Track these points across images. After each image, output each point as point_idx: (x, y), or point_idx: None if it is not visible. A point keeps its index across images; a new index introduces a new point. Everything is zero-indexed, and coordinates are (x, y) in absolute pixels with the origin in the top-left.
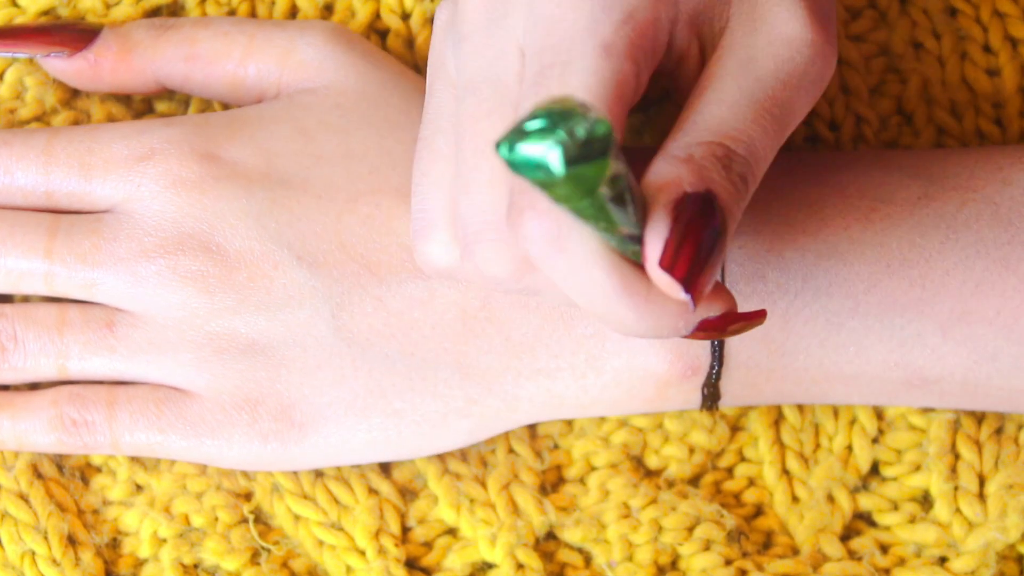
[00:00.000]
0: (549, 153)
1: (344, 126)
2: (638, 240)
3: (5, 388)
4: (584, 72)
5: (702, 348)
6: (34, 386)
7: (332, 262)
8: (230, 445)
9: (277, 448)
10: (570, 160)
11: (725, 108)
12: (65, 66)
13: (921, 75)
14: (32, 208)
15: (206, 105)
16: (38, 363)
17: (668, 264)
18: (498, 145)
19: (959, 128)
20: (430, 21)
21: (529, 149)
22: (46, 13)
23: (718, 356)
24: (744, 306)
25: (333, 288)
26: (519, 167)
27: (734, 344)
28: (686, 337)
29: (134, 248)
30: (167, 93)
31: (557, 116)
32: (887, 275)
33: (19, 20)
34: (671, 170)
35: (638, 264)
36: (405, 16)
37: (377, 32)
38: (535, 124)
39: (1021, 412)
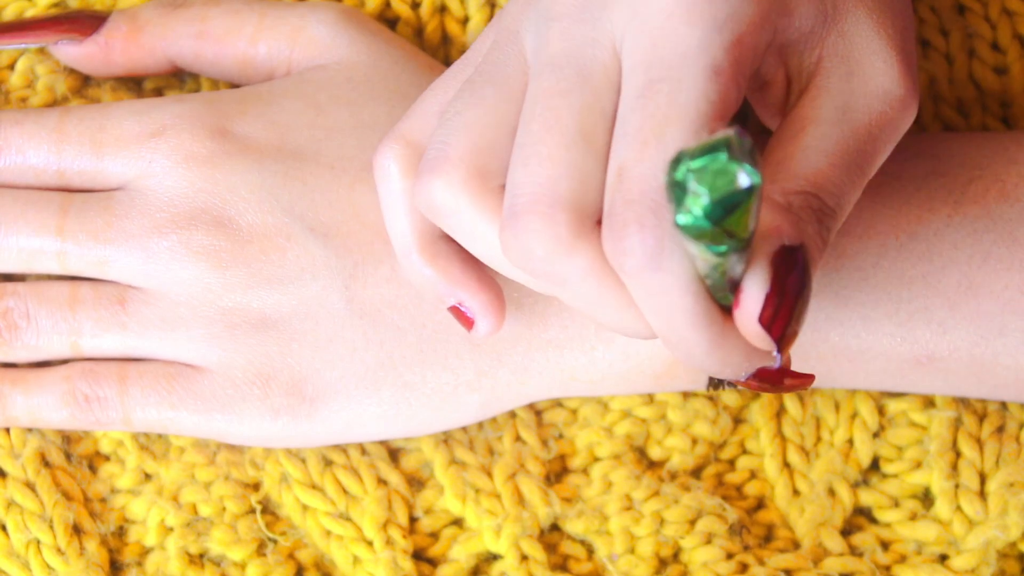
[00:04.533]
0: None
1: (355, 99)
2: (733, 285)
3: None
4: (694, 92)
5: None
6: (46, 363)
7: (345, 232)
8: (241, 420)
9: (288, 423)
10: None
11: (823, 158)
12: (77, 52)
13: (928, 72)
14: (44, 187)
15: (214, 89)
16: (51, 341)
17: (767, 321)
18: (676, 161)
19: (966, 125)
20: (440, 10)
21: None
22: (56, 5)
23: None
24: None
25: (346, 259)
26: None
27: None
28: (741, 385)
29: (146, 224)
30: (177, 82)
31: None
32: (896, 249)
33: (30, 13)
34: (771, 218)
35: (718, 304)
36: (415, 5)
37: (387, 21)
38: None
39: None
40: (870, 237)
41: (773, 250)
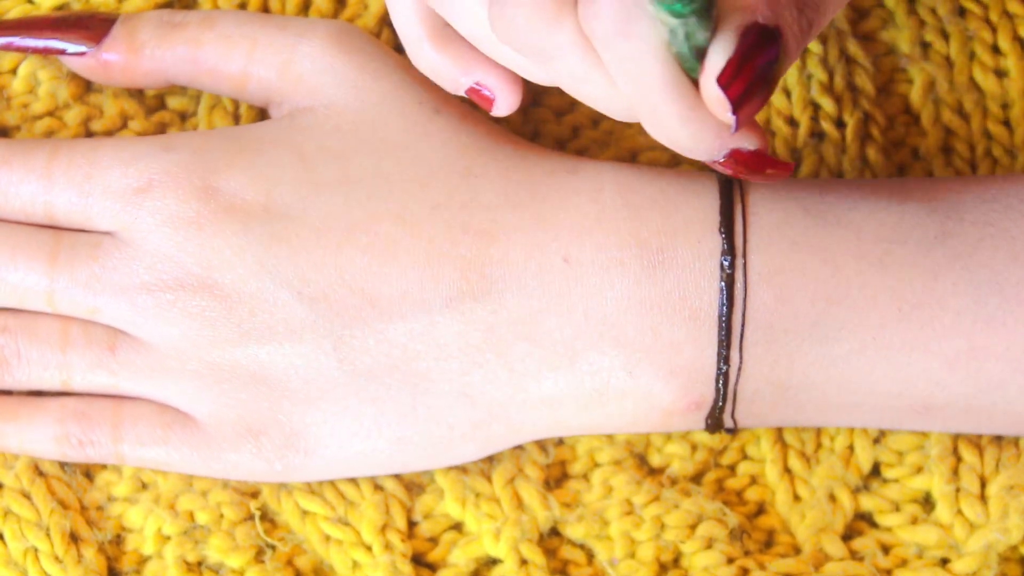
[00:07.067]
0: None
1: (342, 150)
2: (700, 55)
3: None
4: None
5: (707, 385)
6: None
7: (333, 297)
8: (237, 469)
9: (283, 471)
10: None
11: None
12: (77, 63)
13: (929, 75)
14: (33, 223)
15: (216, 100)
16: (42, 377)
17: (725, 81)
18: None
19: (966, 129)
20: None
21: None
22: (59, 9)
23: (723, 394)
24: (751, 352)
25: (334, 322)
26: None
27: (740, 382)
28: (717, 166)
29: (134, 280)
30: (179, 89)
31: None
32: (897, 319)
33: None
34: None
35: (690, 78)
36: None
37: (389, 25)
38: None
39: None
40: (872, 309)
41: (744, 23)
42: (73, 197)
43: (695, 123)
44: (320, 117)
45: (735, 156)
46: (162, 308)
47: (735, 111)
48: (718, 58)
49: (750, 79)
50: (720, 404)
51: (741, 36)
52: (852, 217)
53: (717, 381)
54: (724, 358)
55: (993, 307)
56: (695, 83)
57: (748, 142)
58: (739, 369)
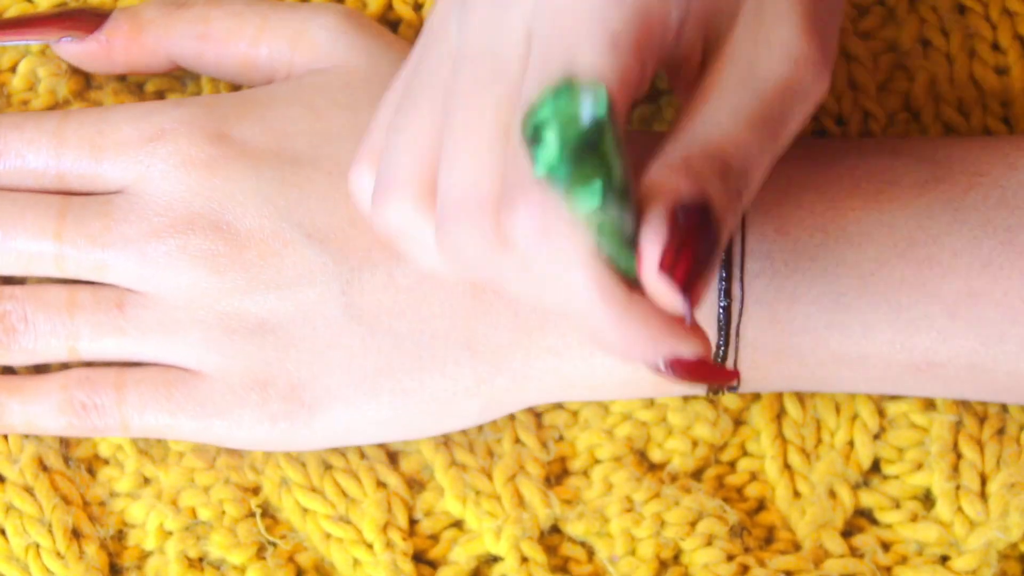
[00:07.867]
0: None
1: (352, 104)
2: (632, 246)
3: (13, 371)
4: (589, 65)
5: (709, 328)
6: (42, 368)
7: (342, 238)
8: (240, 426)
9: (286, 428)
10: (570, 144)
11: (724, 118)
12: (78, 49)
13: (929, 72)
14: (44, 190)
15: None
16: (48, 344)
17: (668, 267)
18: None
19: (966, 126)
20: None
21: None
22: (59, 6)
23: (724, 336)
24: (752, 285)
25: (343, 264)
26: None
27: (742, 324)
28: (659, 372)
29: (144, 228)
30: (179, 85)
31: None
32: (895, 256)
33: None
34: (669, 177)
35: (626, 280)
36: (417, 7)
37: (389, 22)
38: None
39: None
40: (869, 244)
41: (670, 204)
42: (85, 152)
43: (629, 327)
44: (330, 76)
45: (675, 364)
46: (172, 255)
47: (684, 295)
48: (652, 248)
49: (692, 259)
50: (722, 347)
51: (670, 219)
52: (845, 162)
53: (719, 319)
54: (725, 291)
55: (988, 250)
56: (633, 284)
57: (688, 348)
58: (741, 306)
